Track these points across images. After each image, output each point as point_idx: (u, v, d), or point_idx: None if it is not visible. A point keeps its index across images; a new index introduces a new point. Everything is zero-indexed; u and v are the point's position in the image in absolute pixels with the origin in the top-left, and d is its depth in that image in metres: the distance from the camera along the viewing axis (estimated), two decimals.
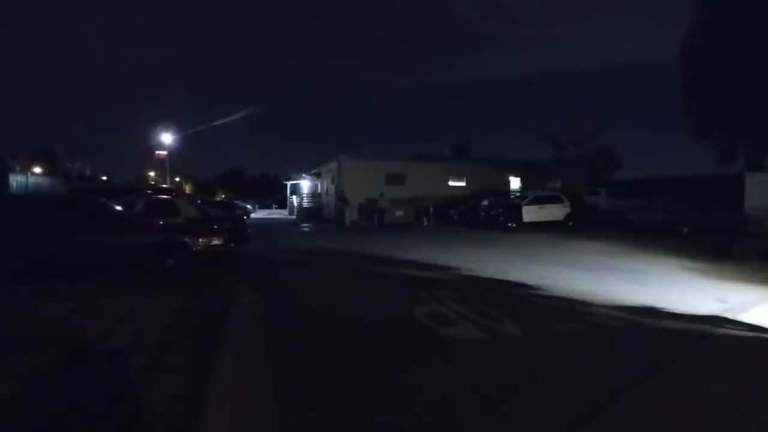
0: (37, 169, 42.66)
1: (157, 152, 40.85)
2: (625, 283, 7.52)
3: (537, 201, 20.12)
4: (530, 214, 19.28)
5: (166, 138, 38.46)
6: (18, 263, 6.99)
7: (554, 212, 19.75)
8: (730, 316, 5.47)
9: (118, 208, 8.50)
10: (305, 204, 33.93)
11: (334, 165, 28.06)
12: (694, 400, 3.20)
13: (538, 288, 7.09)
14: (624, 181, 33.08)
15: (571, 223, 19.51)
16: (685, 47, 21.39)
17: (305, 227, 23.45)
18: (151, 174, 60.09)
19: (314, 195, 35.11)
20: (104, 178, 59.84)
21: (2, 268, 6.85)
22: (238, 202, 36.11)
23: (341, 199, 23.92)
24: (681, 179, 25.53)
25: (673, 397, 3.22)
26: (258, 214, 41.63)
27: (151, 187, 26.26)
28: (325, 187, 31.98)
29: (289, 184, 43.30)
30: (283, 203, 47.48)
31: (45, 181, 23.31)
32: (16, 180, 19.87)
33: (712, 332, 4.83)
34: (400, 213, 24.50)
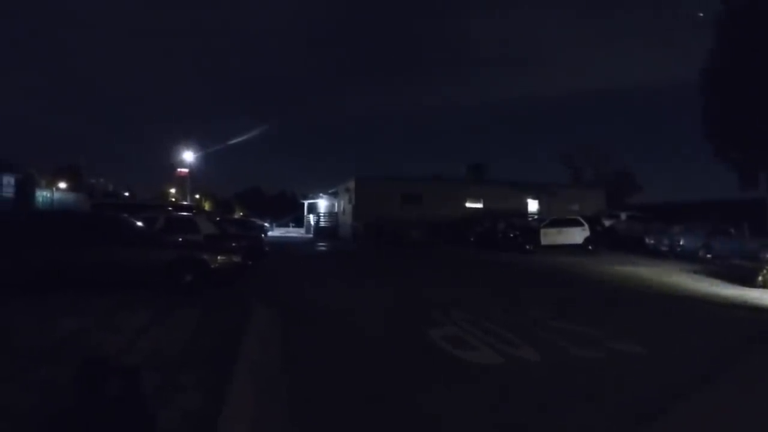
0: (62, 185, 43.83)
1: (179, 169, 41.66)
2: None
3: (555, 224, 19.91)
4: (548, 237, 19.06)
5: (188, 155, 39.25)
6: (39, 277, 7.09)
7: (573, 235, 19.50)
8: None
9: (139, 224, 8.65)
10: (322, 223, 34.15)
11: (351, 185, 28.26)
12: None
13: None
14: (644, 205, 32.57)
15: (590, 247, 19.21)
16: (705, 71, 21.23)
17: (322, 246, 23.53)
18: (172, 191, 61.19)
19: (331, 214, 35.32)
20: (126, 194, 61.19)
21: (24, 281, 6.99)
22: (255, 220, 36.45)
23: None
24: (702, 204, 25.02)
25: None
26: (275, 233, 41.93)
27: (171, 204, 26.73)
28: (341, 207, 32.17)
29: (306, 203, 43.68)
30: (300, 222, 47.81)
31: (69, 197, 23.96)
32: (42, 195, 20.47)
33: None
34: (417, 233, 24.41)
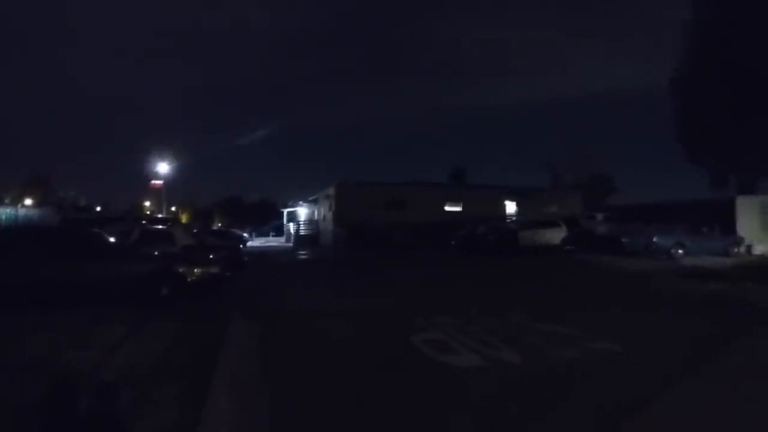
0: (28, 201, 42.47)
1: (153, 181, 40.83)
2: None
3: (533, 226, 20.15)
4: (526, 238, 19.27)
5: (162, 167, 38.52)
6: (6, 294, 6.84)
7: (550, 237, 19.75)
8: None
9: (111, 239, 8.44)
10: (302, 231, 33.89)
11: (331, 191, 28.17)
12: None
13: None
14: (620, 206, 33.26)
15: (567, 248, 19.48)
16: (677, 77, 21.84)
17: (302, 254, 23.35)
18: (147, 203, 60.03)
19: (311, 222, 35.10)
20: (98, 208, 59.66)
21: None
22: (234, 230, 36.01)
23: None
24: (676, 204, 25.70)
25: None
26: (255, 242, 41.48)
27: (146, 216, 26.18)
28: (322, 214, 32.02)
29: (286, 211, 43.34)
30: (280, 230, 47.40)
31: (35, 212, 23.17)
32: (5, 212, 19.74)
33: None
34: (398, 238, 24.45)
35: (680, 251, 16.39)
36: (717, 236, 17.61)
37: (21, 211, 21.48)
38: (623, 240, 19.16)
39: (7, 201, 26.32)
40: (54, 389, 3.67)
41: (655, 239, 17.55)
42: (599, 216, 25.61)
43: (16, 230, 11.43)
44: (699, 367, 4.41)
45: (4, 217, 19.21)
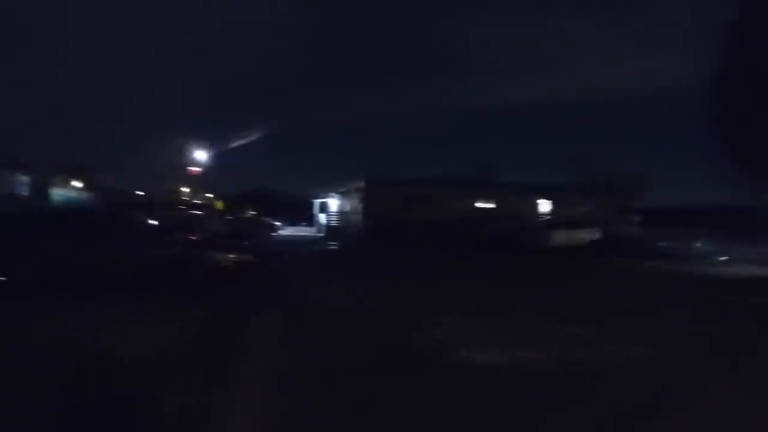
0: (77, 184, 44.36)
1: (191, 168, 42.04)
2: None
3: (565, 225, 19.79)
4: (557, 238, 18.94)
5: (200, 155, 39.61)
6: (48, 275, 7.15)
7: (584, 237, 19.35)
8: None
9: (151, 222, 8.79)
10: (332, 222, 34.23)
11: (361, 184, 28.33)
12: None
13: None
14: (654, 208, 32.17)
15: (599, 249, 19.06)
16: (715, 77, 20.92)
17: (331, 245, 23.64)
18: (185, 190, 61.69)
19: (341, 213, 35.41)
20: (139, 192, 61.71)
21: (33, 279, 7.11)
22: (266, 218, 36.68)
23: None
24: (712, 208, 24.72)
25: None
26: (286, 231, 42.18)
27: (183, 202, 27.04)
28: (351, 206, 32.26)
29: (316, 202, 43.83)
30: (310, 220, 47.97)
31: (83, 195, 24.35)
32: (57, 193, 20.84)
33: None
34: (426, 234, 24.38)
35: (720, 258, 15.77)
36: (759, 244, 16.82)
37: (71, 194, 22.55)
38: (660, 244, 18.63)
39: (57, 184, 27.65)
40: (87, 370, 3.86)
41: (694, 245, 16.99)
42: (635, 217, 24.87)
43: (65, 213, 12.02)
44: (727, 377, 4.30)
45: (56, 199, 20.22)
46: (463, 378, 4.08)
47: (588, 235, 19.42)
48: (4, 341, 4.61)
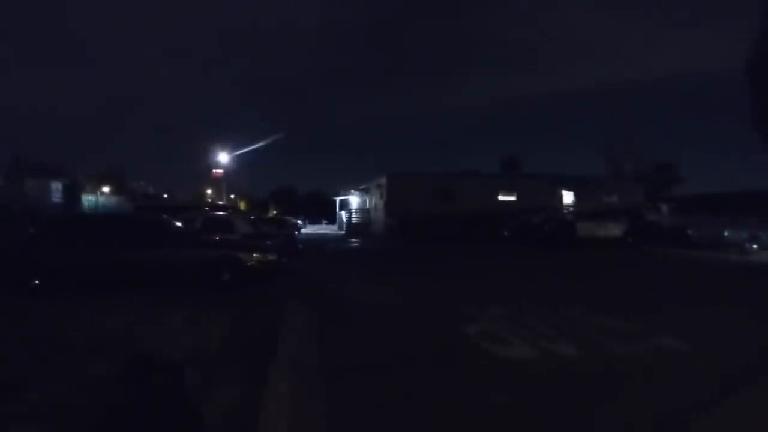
0: (106, 189, 45.72)
1: (214, 170, 42.73)
2: None
3: (592, 216, 19.38)
4: (585, 230, 18.54)
5: (223, 157, 40.18)
6: (84, 276, 7.48)
7: (611, 228, 18.92)
8: None
9: (179, 224, 8.93)
10: (354, 219, 34.34)
11: (383, 180, 28.31)
12: None
13: None
14: (686, 196, 31.26)
15: (630, 240, 18.61)
16: (753, 59, 20.15)
17: (354, 242, 23.70)
18: (209, 191, 62.87)
19: (363, 210, 35.51)
20: (165, 196, 63.28)
21: (69, 281, 7.39)
22: (289, 218, 37.06)
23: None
24: (747, 195, 23.88)
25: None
26: (308, 230, 42.55)
27: (208, 204, 27.48)
28: (373, 203, 32.30)
29: (338, 199, 44.07)
30: (332, 218, 48.32)
31: (112, 200, 25.04)
32: (87, 199, 21.48)
33: None
34: (450, 229, 24.23)
35: (755, 245, 15.18)
36: None
37: (101, 199, 23.21)
38: (690, 232, 18.09)
39: (88, 189, 28.49)
40: (130, 366, 3.97)
41: (726, 233, 16.42)
42: (664, 207, 24.21)
43: (95, 216, 12.35)
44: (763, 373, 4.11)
45: (86, 204, 20.84)
46: (513, 373, 4.00)
47: (616, 226, 18.98)
48: (57, 337, 4.78)
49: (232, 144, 45.12)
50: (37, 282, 7.29)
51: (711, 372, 4.03)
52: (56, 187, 19.74)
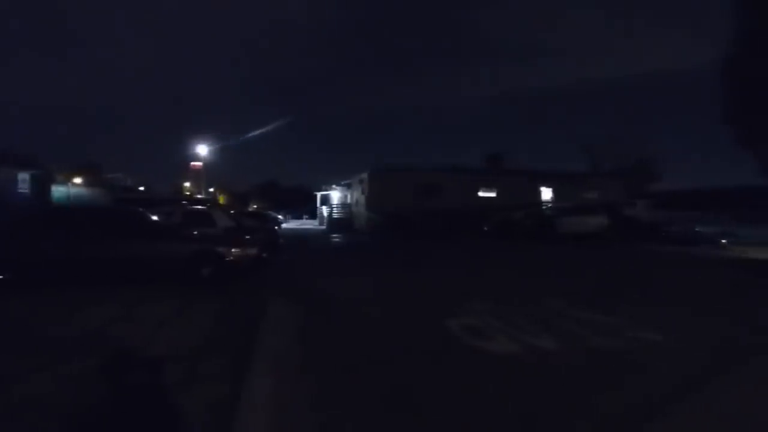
0: (78, 180, 44.47)
1: (193, 163, 42.06)
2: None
3: (571, 212, 19.66)
4: (565, 225, 18.82)
5: (202, 149, 39.60)
6: (58, 271, 7.23)
7: (590, 224, 19.24)
8: None
9: (155, 218, 8.74)
10: (335, 215, 34.17)
11: (365, 176, 28.22)
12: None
13: None
14: (663, 192, 32.01)
15: (608, 235, 18.95)
16: (727, 57, 20.68)
17: (335, 237, 23.60)
18: (187, 185, 61.85)
19: (344, 205, 35.35)
20: (142, 188, 61.96)
21: (42, 275, 7.16)
22: (270, 212, 36.68)
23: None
24: (722, 190, 24.61)
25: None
26: (289, 225, 42.20)
27: (186, 197, 27.04)
28: (355, 198, 32.19)
29: (319, 194, 43.79)
30: (314, 214, 48.01)
31: (86, 192, 24.34)
32: (57, 190, 20.79)
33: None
34: (432, 224, 24.32)
35: (726, 240, 15.63)
36: (764, 225, 16.65)
37: (72, 190, 22.52)
38: (665, 228, 18.52)
39: (59, 180, 27.63)
40: (103, 364, 3.86)
41: (698, 228, 16.86)
42: (641, 203, 24.73)
43: (68, 209, 11.98)
44: (736, 364, 4.22)
45: (56, 196, 20.21)
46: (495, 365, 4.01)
47: (595, 221, 19.31)
48: (28, 334, 4.64)
49: (213, 137, 44.52)
50: (2, 277, 7.01)
51: (688, 362, 4.12)
52: (23, 177, 19.08)
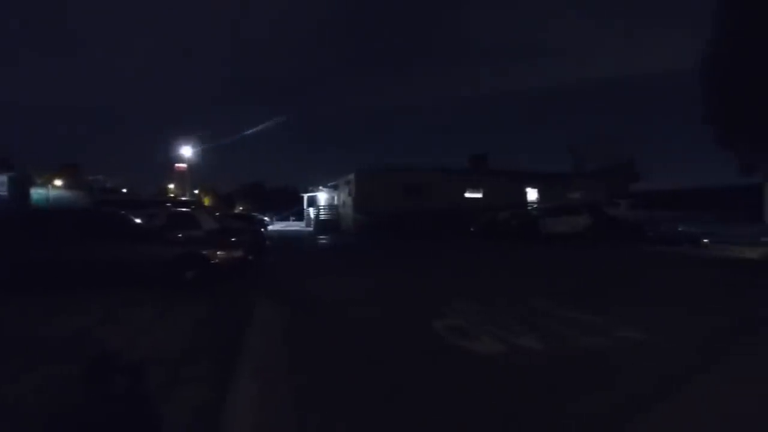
0: (58, 182, 43.55)
1: (177, 165, 41.53)
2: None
3: (556, 212, 19.85)
4: (548, 226, 19.02)
5: (186, 151, 39.13)
6: (38, 275, 7.08)
7: (574, 224, 19.45)
8: None
9: (138, 220, 8.61)
10: (322, 216, 34.05)
11: (351, 177, 28.17)
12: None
13: None
14: (645, 192, 32.49)
15: (591, 235, 19.17)
16: (707, 57, 21.07)
17: (322, 239, 23.51)
18: (171, 186, 61.06)
19: (331, 207, 35.26)
20: (124, 190, 60.99)
21: (23, 279, 7.00)
22: (255, 214, 36.40)
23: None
24: (704, 190, 25.07)
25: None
26: (276, 226, 41.96)
27: (171, 199, 26.68)
28: (342, 200, 32.12)
29: (305, 196, 43.59)
30: (300, 215, 47.79)
31: (66, 194, 23.81)
32: (36, 192, 20.33)
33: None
34: (418, 225, 24.39)
35: (708, 240, 15.92)
36: (745, 224, 17.01)
37: (52, 193, 22.04)
38: (647, 228, 18.79)
39: (39, 182, 27.01)
40: (84, 368, 3.79)
41: (680, 228, 17.14)
42: (623, 203, 25.06)
43: (47, 211, 11.74)
44: (719, 362, 4.29)
45: (35, 198, 19.78)
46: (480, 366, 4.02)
47: (578, 222, 19.53)
48: (5, 338, 4.52)
49: (198, 138, 44.04)
50: None
51: (675, 361, 4.18)
52: (1, 180, 18.67)
